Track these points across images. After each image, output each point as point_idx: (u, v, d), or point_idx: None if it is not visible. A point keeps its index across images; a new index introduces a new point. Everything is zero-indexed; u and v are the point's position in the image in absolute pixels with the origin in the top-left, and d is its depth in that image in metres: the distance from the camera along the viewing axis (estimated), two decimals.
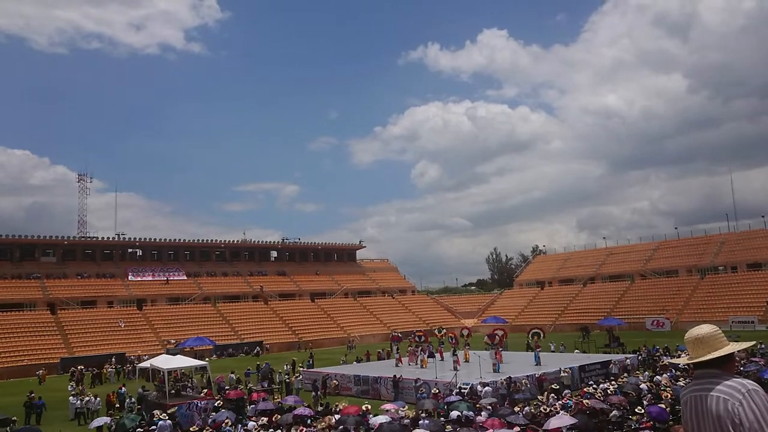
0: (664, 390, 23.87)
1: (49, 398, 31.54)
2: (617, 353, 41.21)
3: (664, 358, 36.28)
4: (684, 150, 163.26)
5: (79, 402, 29.79)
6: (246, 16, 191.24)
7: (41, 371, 47.44)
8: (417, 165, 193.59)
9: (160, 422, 21.96)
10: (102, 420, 23.78)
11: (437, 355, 38.68)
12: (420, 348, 38.10)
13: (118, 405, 29.94)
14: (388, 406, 23.57)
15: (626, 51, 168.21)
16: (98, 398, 30.27)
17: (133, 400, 30.52)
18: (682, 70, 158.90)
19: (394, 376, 31.12)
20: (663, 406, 20.87)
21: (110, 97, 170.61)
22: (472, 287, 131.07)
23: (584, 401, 22.25)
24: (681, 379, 26.92)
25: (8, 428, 22.72)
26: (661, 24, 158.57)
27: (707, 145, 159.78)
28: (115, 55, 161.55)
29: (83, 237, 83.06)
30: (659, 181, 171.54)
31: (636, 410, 21.19)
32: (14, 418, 24.95)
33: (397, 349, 39.68)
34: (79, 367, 46.03)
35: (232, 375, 37.12)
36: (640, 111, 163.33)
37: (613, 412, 21.11)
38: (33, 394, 30.33)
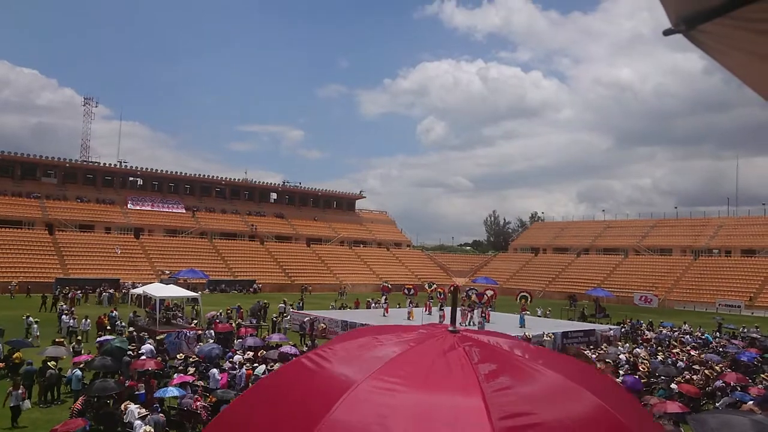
0: (642, 362, 24.39)
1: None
2: (602, 324, 41.82)
3: (647, 332, 36.90)
4: (693, 131, 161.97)
5: (72, 321, 30.32)
6: None
7: (13, 285, 49.84)
8: (424, 121, 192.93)
9: (144, 346, 22.52)
10: (106, 338, 24.45)
11: (425, 309, 39.23)
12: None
13: (109, 327, 30.53)
14: None
15: (645, 24, 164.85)
16: (88, 320, 30.84)
17: (123, 324, 31.15)
18: (699, 50, 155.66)
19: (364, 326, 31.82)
20: (638, 376, 21.40)
21: (123, 24, 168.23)
22: (467, 247, 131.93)
23: None
24: (660, 353, 27.45)
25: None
26: None
27: (716, 128, 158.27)
28: None
29: (85, 161, 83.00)
30: (664, 160, 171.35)
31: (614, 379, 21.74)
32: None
33: (386, 299, 40.26)
34: (62, 290, 47.55)
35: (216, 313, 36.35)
36: (653, 87, 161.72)
37: None
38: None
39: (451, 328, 2.75)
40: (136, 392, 16.84)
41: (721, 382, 20.47)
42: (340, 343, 2.70)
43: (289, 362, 2.83)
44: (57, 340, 24.75)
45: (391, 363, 2.46)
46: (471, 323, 33.64)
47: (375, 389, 2.33)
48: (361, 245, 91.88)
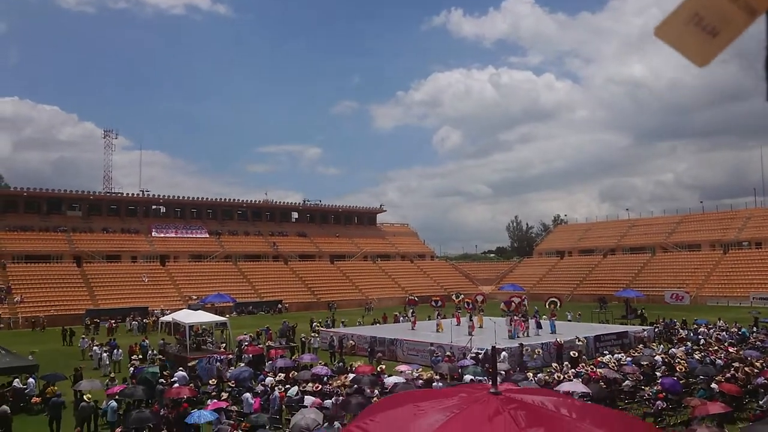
0: (679, 363, 23.89)
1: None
2: (634, 325, 41.16)
3: (681, 331, 36.20)
4: (713, 122, 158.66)
5: (105, 353, 30.47)
6: None
7: (42, 318, 51.67)
8: (439, 131, 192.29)
9: (177, 373, 22.72)
10: (140, 368, 24.57)
11: (453, 319, 38.90)
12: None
13: (141, 356, 30.74)
14: (402, 367, 23.94)
15: (655, 20, 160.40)
16: (120, 350, 31.11)
17: (155, 352, 31.39)
18: None
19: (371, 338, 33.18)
20: (676, 378, 20.94)
21: (137, 56, 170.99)
22: (492, 255, 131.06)
23: (597, 371, 22.37)
24: (696, 352, 26.87)
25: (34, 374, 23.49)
26: None
27: (737, 117, 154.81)
28: (142, 15, 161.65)
29: (108, 192, 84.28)
30: (686, 154, 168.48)
31: (650, 381, 21.29)
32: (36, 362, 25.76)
33: (413, 312, 40.10)
34: (91, 321, 48.26)
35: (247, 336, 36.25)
36: (668, 82, 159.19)
37: (626, 382, 21.23)
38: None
39: (492, 390, 2.69)
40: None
41: (763, 378, 19.93)
42: (381, 413, 2.63)
43: None
44: (80, 366, 25.15)
45: None
46: (526, 333, 32.84)
47: None
48: (384, 259, 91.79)
